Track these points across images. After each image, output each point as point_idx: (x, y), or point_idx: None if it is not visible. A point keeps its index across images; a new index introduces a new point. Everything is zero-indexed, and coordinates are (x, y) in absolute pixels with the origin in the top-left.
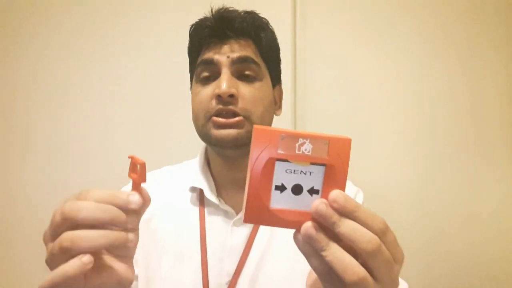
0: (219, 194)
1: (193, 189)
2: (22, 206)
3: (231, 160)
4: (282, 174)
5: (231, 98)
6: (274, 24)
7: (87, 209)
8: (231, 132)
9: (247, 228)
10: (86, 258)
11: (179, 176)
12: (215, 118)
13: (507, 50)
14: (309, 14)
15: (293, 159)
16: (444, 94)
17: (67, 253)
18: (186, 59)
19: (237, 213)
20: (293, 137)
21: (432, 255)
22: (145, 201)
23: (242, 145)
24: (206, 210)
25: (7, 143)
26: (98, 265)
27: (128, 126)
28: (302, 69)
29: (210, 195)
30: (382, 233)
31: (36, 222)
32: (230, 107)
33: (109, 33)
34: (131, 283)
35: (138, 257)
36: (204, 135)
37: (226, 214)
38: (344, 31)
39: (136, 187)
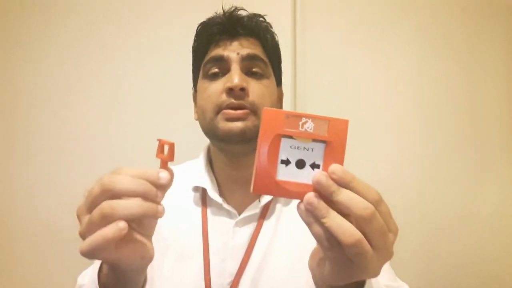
0: (221, 194)
1: (196, 188)
2: (24, 207)
3: (236, 157)
4: (287, 150)
5: (242, 92)
6: (274, 26)
7: (123, 181)
8: (238, 124)
9: (249, 229)
10: (122, 224)
11: (181, 175)
12: (226, 111)
13: (506, 51)
14: (309, 15)
15: (296, 135)
16: (443, 94)
17: (107, 220)
18: (188, 59)
19: (239, 214)
20: (297, 117)
21: (432, 255)
22: (172, 178)
23: (248, 140)
24: (208, 209)
25: (8, 143)
26: (126, 238)
27: (130, 126)
28: (302, 69)
29: (213, 194)
30: (377, 202)
31: (37, 223)
32: (241, 101)
33: (111, 34)
34: (151, 260)
35: None
36: (211, 129)
37: (228, 214)
38: (344, 32)
39: (164, 165)
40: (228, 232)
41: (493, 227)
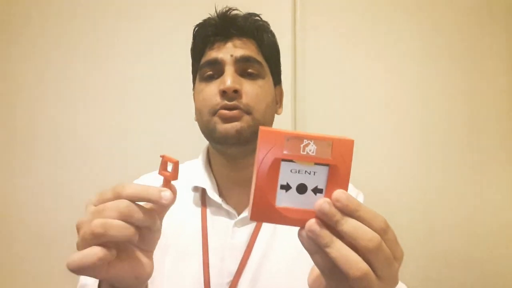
0: (221, 194)
1: (195, 188)
2: (25, 208)
3: (233, 159)
4: (287, 174)
5: (236, 93)
6: (274, 26)
7: (120, 206)
8: (234, 125)
9: (248, 229)
10: (105, 251)
11: (181, 175)
12: (221, 111)
13: (506, 52)
14: (309, 15)
15: (298, 159)
16: (443, 95)
17: (97, 239)
18: (187, 60)
19: (238, 214)
20: (298, 138)
21: (431, 255)
22: (174, 198)
23: (244, 142)
24: (208, 209)
25: (7, 144)
26: (120, 257)
27: (130, 126)
28: (302, 69)
29: (213, 194)
30: (383, 231)
31: (37, 223)
32: (234, 102)
33: (111, 33)
34: (148, 277)
35: None
36: (208, 131)
37: (228, 214)
38: (343, 32)
39: (167, 184)
40: (227, 232)
41: (493, 228)
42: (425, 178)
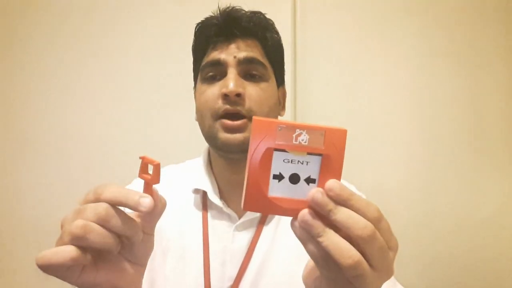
0: (221, 196)
1: (196, 190)
2: (23, 207)
3: (234, 163)
4: (280, 164)
5: (238, 97)
6: (275, 24)
7: (95, 228)
8: (238, 136)
9: (249, 233)
10: (79, 252)
11: (182, 176)
12: (224, 121)
13: (507, 51)
14: (309, 14)
15: (290, 149)
16: (444, 94)
17: (75, 241)
18: (188, 59)
19: (239, 218)
20: (290, 128)
21: (432, 256)
22: (158, 204)
23: (247, 150)
24: (209, 213)
25: (7, 144)
26: (98, 264)
27: (129, 126)
28: (302, 69)
29: (214, 197)
30: (377, 220)
31: (36, 223)
32: (238, 107)
33: (110, 33)
34: None
35: None
36: (210, 137)
37: (229, 217)
38: (344, 31)
39: (148, 188)
40: (228, 236)
41: (494, 228)
42: (426, 179)
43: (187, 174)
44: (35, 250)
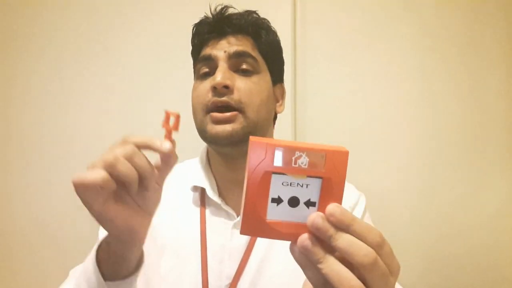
0: (220, 194)
1: (195, 188)
2: (23, 207)
3: (231, 159)
4: (278, 187)
5: (226, 89)
6: (274, 24)
7: (122, 160)
8: (226, 127)
9: None
10: (108, 176)
11: (180, 174)
12: (213, 114)
13: (508, 51)
14: (309, 14)
15: (289, 172)
16: (444, 94)
17: (106, 167)
18: (186, 58)
19: (237, 215)
20: (289, 150)
21: (432, 257)
22: (174, 152)
23: (237, 142)
24: (207, 210)
25: (6, 144)
26: (117, 200)
27: (128, 126)
28: (302, 69)
29: (212, 194)
30: (379, 246)
31: (36, 223)
32: (224, 98)
33: (109, 33)
34: (142, 240)
35: None
36: (201, 131)
37: (227, 215)
38: (344, 31)
39: (169, 136)
40: (226, 234)
41: (494, 229)
42: (426, 180)
43: (185, 173)
44: (35, 250)
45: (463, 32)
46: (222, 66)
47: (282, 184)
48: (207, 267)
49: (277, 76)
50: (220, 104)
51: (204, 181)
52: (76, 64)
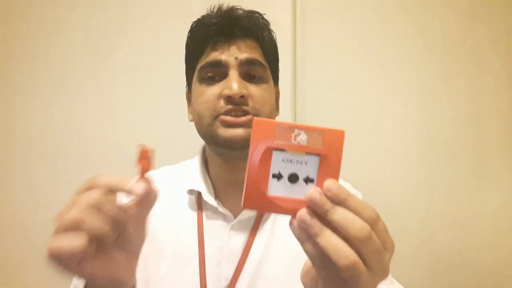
0: (217, 196)
1: (191, 191)
2: (23, 207)
3: (232, 161)
4: (279, 163)
5: (242, 99)
6: (274, 24)
7: (88, 214)
8: (240, 131)
9: (245, 233)
10: (85, 239)
11: (177, 177)
12: (223, 117)
13: (507, 52)
14: (309, 14)
15: (289, 148)
16: (443, 94)
17: (73, 229)
18: (184, 58)
19: (235, 217)
20: (289, 128)
21: (432, 256)
22: (151, 191)
23: (248, 147)
24: (204, 213)
25: (6, 144)
26: (96, 252)
27: (126, 126)
28: (302, 69)
29: (208, 198)
30: (373, 221)
31: (35, 223)
32: (243, 107)
33: (108, 33)
34: (127, 282)
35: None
36: (210, 135)
37: (224, 217)
38: (344, 31)
39: (143, 175)
40: (224, 236)
41: (494, 228)
42: (426, 179)
43: (181, 175)
44: (34, 250)
45: (462, 33)
46: (234, 74)
47: (282, 160)
48: (205, 269)
49: (276, 80)
50: (235, 111)
51: (200, 184)
52: (81, 65)
